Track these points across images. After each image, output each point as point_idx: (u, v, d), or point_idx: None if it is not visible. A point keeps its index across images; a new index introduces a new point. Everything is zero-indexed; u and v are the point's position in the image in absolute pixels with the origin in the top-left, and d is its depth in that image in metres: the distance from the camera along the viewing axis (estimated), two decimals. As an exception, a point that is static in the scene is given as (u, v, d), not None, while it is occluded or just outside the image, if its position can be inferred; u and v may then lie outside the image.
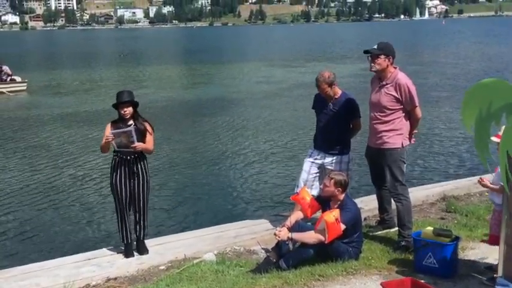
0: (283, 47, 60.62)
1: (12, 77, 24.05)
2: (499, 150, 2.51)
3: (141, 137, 5.21)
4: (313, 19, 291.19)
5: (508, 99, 2.46)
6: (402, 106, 5.03)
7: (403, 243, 5.05)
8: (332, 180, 4.77)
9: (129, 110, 5.18)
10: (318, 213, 5.00)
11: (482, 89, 2.61)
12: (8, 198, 9.32)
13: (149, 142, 5.29)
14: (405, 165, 5.21)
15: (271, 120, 16.11)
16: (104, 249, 5.64)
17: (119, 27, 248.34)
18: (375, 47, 5.07)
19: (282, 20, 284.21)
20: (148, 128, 5.29)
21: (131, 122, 5.22)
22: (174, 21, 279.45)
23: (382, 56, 5.02)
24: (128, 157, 5.21)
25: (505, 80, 2.55)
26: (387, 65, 5.05)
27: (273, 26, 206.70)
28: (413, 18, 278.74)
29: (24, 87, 24.03)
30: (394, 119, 5.05)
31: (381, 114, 5.09)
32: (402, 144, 5.09)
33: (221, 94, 22.19)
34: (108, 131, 5.19)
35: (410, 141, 5.22)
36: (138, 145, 5.12)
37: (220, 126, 15.35)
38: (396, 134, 5.07)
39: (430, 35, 79.61)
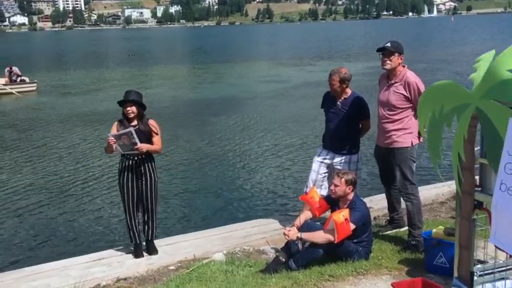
0: (290, 45, 60.53)
1: (22, 77, 24.24)
2: (452, 153, 2.52)
3: (147, 138, 5.19)
4: (320, 17, 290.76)
5: (458, 102, 2.47)
6: (411, 105, 4.99)
7: (413, 242, 5.02)
8: (343, 179, 4.75)
9: (132, 110, 5.15)
10: (327, 213, 4.99)
11: (435, 91, 2.62)
12: (18, 199, 9.39)
13: (156, 142, 5.28)
14: (415, 164, 5.18)
15: (279, 119, 16.09)
16: (114, 249, 5.67)
17: (127, 27, 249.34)
18: (389, 44, 5.04)
19: (290, 19, 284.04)
20: (154, 128, 5.26)
21: (135, 122, 5.21)
22: (181, 20, 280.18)
23: (396, 54, 4.99)
24: (135, 158, 5.21)
25: (457, 83, 2.56)
26: (399, 63, 5.03)
27: (281, 25, 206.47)
28: (421, 15, 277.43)
29: (34, 88, 24.21)
30: (403, 118, 5.02)
31: (390, 113, 5.06)
32: (412, 143, 5.06)
33: (229, 93, 22.20)
34: (114, 130, 5.19)
35: (419, 140, 5.18)
36: (142, 146, 5.09)
37: (228, 126, 15.35)
38: (406, 133, 5.03)
39: (439, 32, 79.12)
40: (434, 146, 2.60)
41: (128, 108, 5.14)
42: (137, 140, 5.04)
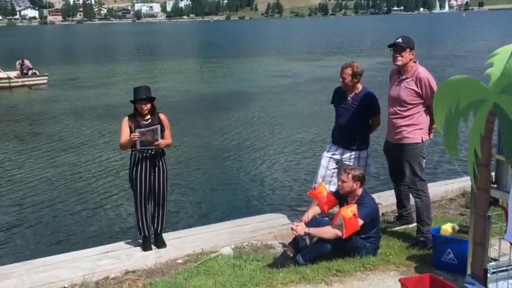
0: (300, 40, 60.34)
1: (33, 70, 24.40)
2: (468, 149, 2.50)
3: (161, 133, 5.25)
4: (330, 12, 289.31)
5: (475, 97, 2.44)
6: (422, 100, 4.96)
7: (421, 239, 5.00)
8: (350, 175, 4.74)
9: (147, 107, 5.21)
10: (336, 209, 4.98)
11: (451, 86, 2.59)
12: (28, 191, 9.47)
13: (168, 136, 5.35)
14: (424, 160, 5.16)
15: (288, 114, 16.07)
16: (122, 242, 5.71)
17: (136, 21, 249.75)
18: (400, 40, 5.01)
19: (300, 14, 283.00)
20: (166, 122, 5.33)
21: (148, 116, 5.25)
22: (191, 15, 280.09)
23: (407, 50, 4.96)
24: (149, 152, 5.25)
25: (473, 78, 2.52)
26: (410, 59, 5.00)
27: (290, 20, 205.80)
28: (432, 11, 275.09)
29: (46, 81, 24.36)
30: (414, 114, 4.99)
31: (401, 108, 5.03)
32: (422, 139, 5.03)
33: (238, 88, 22.20)
34: (126, 125, 5.22)
35: (429, 136, 5.16)
36: (162, 142, 5.19)
37: (237, 121, 15.36)
38: (416, 129, 5.01)
39: (450, 27, 78.45)
40: (450, 141, 2.57)
41: (144, 106, 5.20)
42: (159, 137, 5.14)
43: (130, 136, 5.12)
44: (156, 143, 5.15)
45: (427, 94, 4.91)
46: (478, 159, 2.48)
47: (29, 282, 4.74)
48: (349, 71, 5.34)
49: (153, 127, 5.16)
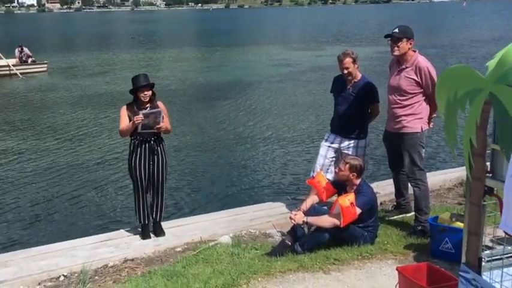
0: (300, 29, 60.10)
1: (32, 58, 24.29)
2: (463, 138, 2.51)
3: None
4: (330, 1, 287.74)
5: (472, 86, 2.44)
6: (422, 90, 4.96)
7: (419, 228, 5.02)
8: (347, 165, 4.75)
9: (148, 93, 5.21)
10: (334, 198, 4.99)
11: (450, 75, 2.59)
12: (26, 179, 9.47)
13: (167, 122, 5.34)
14: (424, 149, 5.16)
15: (287, 103, 16.05)
16: (121, 230, 5.72)
17: (135, 9, 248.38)
18: (396, 30, 4.99)
19: (299, 2, 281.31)
20: (164, 110, 5.33)
21: (148, 105, 5.24)
22: (190, 3, 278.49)
23: (404, 40, 4.94)
24: (148, 139, 5.24)
25: (470, 67, 2.53)
26: (408, 49, 4.98)
27: (290, 8, 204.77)
28: (433, 0, 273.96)
29: (45, 69, 24.26)
30: (414, 103, 4.98)
31: (401, 98, 5.02)
32: (421, 128, 5.03)
33: (237, 77, 22.14)
34: (125, 114, 5.22)
35: (429, 125, 5.15)
36: (163, 125, 5.19)
37: (236, 110, 15.33)
38: (416, 118, 5.00)
39: (450, 17, 78.16)
40: (450, 130, 2.57)
41: (146, 93, 5.19)
42: (161, 120, 5.17)
43: (134, 118, 5.09)
44: (158, 126, 5.15)
45: (427, 83, 4.90)
46: (473, 148, 2.49)
47: (28, 270, 4.76)
48: (349, 59, 5.33)
49: (156, 110, 5.18)
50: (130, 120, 5.17)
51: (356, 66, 5.38)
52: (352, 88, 5.46)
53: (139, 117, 5.08)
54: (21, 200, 8.48)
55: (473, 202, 2.56)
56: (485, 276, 2.54)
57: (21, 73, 22.87)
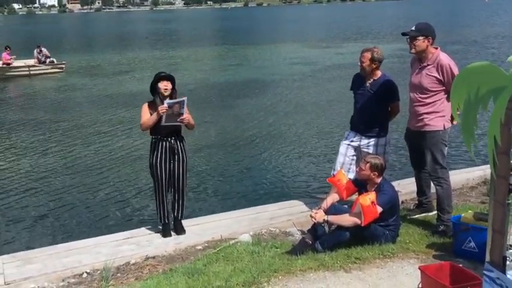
0: (319, 27, 59.80)
1: (51, 59, 24.64)
2: (488, 136, 2.48)
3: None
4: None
5: (495, 84, 2.41)
6: (444, 87, 4.89)
7: (442, 227, 4.97)
8: (368, 164, 4.72)
9: (169, 86, 5.21)
10: (355, 196, 4.97)
11: (471, 73, 2.56)
12: (50, 178, 9.62)
13: (190, 118, 5.33)
14: (446, 148, 5.10)
15: (307, 101, 16.00)
16: (143, 228, 5.78)
17: (154, 8, 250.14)
18: (413, 28, 4.94)
19: (318, 0, 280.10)
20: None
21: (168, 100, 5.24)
22: (208, 2, 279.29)
23: (421, 37, 4.89)
24: (168, 137, 5.26)
25: (493, 64, 2.49)
26: (427, 46, 4.92)
27: (309, 6, 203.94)
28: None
29: (63, 69, 24.60)
30: (436, 101, 4.93)
31: (422, 96, 4.97)
32: (444, 126, 4.97)
33: (257, 75, 22.14)
34: (146, 110, 5.24)
35: (452, 123, 5.09)
36: (187, 116, 5.18)
37: (255, 108, 15.34)
38: (438, 116, 4.94)
39: (472, 12, 76.94)
40: (468, 129, 2.55)
41: (165, 83, 5.19)
42: (185, 111, 5.13)
43: (159, 108, 5.06)
44: (181, 117, 5.12)
45: (449, 81, 4.83)
46: (498, 146, 2.47)
47: (52, 267, 4.84)
48: (368, 55, 5.29)
49: (181, 99, 5.14)
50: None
51: (374, 65, 5.31)
52: (371, 86, 5.42)
53: (164, 107, 5.06)
54: (46, 198, 8.62)
55: (498, 200, 2.54)
56: (510, 275, 2.52)
57: (38, 74, 23.21)
